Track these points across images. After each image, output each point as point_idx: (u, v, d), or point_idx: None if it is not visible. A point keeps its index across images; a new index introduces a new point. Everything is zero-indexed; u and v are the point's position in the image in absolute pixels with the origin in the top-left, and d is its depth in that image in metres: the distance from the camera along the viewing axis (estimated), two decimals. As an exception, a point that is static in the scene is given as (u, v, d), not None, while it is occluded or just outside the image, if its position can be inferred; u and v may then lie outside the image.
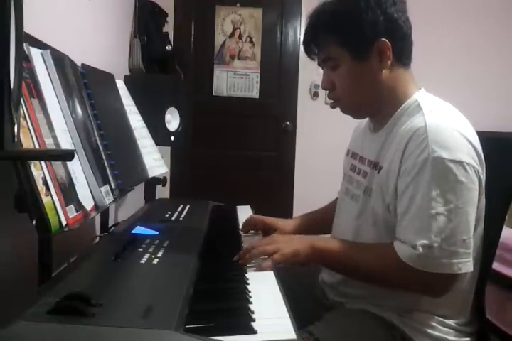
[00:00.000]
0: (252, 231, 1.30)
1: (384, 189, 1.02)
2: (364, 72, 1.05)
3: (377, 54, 1.02)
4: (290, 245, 1.01)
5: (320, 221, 1.37)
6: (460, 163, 0.92)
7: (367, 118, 1.20)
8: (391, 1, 1.01)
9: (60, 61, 1.02)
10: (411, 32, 1.05)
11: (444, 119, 0.98)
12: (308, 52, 1.11)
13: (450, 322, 1.03)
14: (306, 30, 1.10)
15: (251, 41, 3.22)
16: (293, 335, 0.67)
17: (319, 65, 1.13)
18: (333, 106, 1.14)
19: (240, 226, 1.31)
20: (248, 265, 0.96)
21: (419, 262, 0.92)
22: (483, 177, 0.98)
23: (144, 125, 1.62)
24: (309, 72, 3.12)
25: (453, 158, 0.92)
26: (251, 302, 0.77)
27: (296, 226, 1.34)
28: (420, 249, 0.92)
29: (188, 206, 1.42)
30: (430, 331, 1.01)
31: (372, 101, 1.09)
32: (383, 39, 1.01)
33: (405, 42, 1.05)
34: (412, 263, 0.93)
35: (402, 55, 1.05)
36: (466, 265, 0.93)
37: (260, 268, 0.95)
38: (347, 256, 1.03)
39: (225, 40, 3.22)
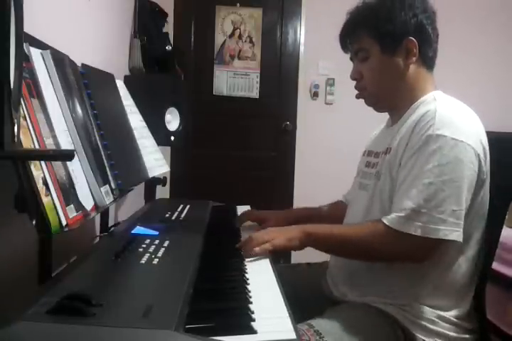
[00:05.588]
0: (249, 223, 1.38)
1: (392, 165, 1.08)
2: (390, 65, 1.14)
3: (404, 51, 1.12)
4: (284, 233, 1.08)
5: (312, 220, 1.39)
6: (461, 142, 0.98)
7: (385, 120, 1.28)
8: (422, 9, 1.13)
9: (60, 61, 1.02)
10: (437, 41, 1.16)
11: (456, 109, 1.06)
12: (343, 45, 1.22)
13: (449, 316, 1.05)
14: (346, 24, 1.20)
15: (251, 41, 3.22)
16: (293, 335, 0.67)
17: (351, 59, 1.22)
18: (358, 97, 1.23)
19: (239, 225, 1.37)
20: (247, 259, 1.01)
21: (404, 225, 0.97)
22: (485, 168, 1.03)
23: (145, 125, 1.62)
24: (309, 72, 3.11)
25: (455, 136, 0.98)
26: (251, 302, 0.77)
27: (288, 220, 1.35)
28: (407, 212, 0.97)
29: (188, 206, 1.43)
30: (430, 326, 1.04)
31: (393, 93, 1.18)
32: (411, 37, 1.11)
33: (430, 47, 1.15)
34: (398, 226, 0.98)
35: (427, 56, 1.15)
36: (454, 233, 0.96)
37: (258, 251, 1.02)
38: (337, 232, 1.09)
39: (225, 40, 3.22)
